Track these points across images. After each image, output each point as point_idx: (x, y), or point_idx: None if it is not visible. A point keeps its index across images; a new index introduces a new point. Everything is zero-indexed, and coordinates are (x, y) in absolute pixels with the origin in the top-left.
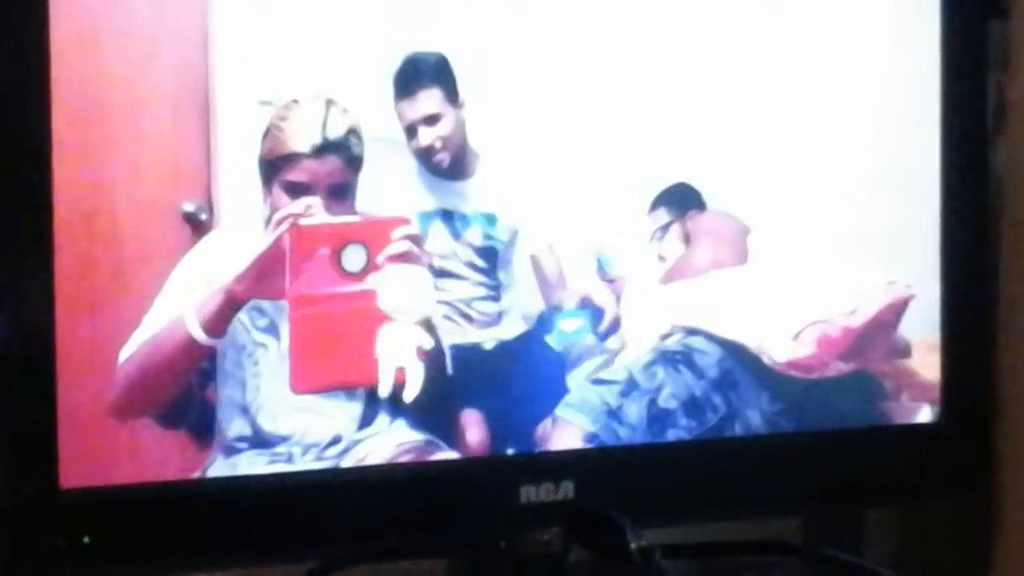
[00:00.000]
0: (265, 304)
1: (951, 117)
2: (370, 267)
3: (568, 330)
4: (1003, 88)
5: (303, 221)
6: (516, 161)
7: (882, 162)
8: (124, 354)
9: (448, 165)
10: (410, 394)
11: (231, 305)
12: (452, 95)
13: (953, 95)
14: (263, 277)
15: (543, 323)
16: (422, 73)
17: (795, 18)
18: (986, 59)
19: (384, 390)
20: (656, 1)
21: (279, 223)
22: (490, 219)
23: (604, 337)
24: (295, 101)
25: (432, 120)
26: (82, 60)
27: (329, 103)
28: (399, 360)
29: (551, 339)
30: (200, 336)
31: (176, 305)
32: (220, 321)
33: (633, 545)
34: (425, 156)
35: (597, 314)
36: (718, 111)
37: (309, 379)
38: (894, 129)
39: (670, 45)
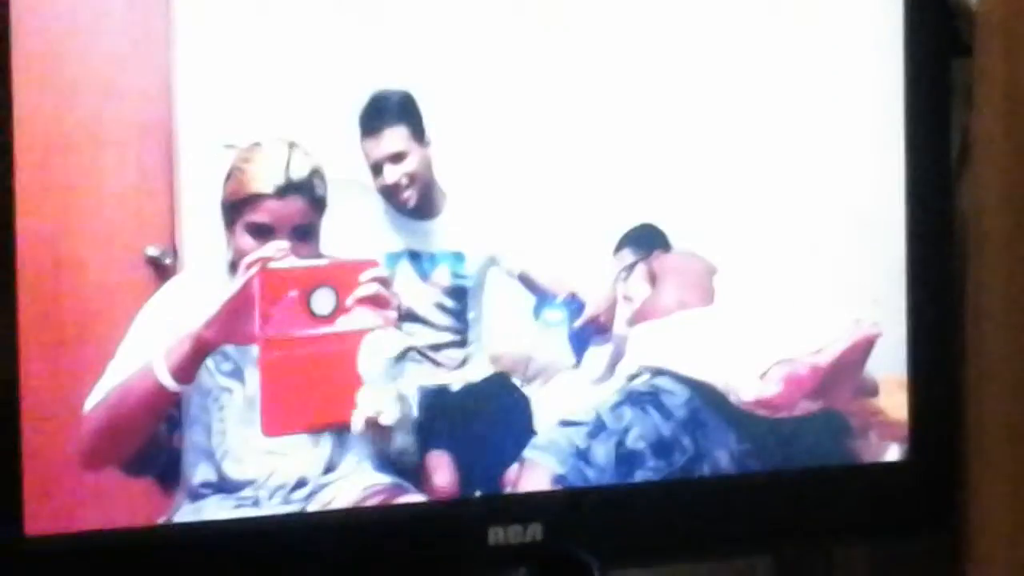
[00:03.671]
0: (229, 349)
1: (915, 156)
2: (339, 310)
3: (549, 320)
4: (967, 125)
5: (272, 265)
6: (483, 200)
7: (847, 201)
8: (90, 403)
9: (415, 204)
10: (382, 437)
11: (200, 351)
12: (418, 133)
13: (918, 132)
14: (233, 321)
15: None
16: (387, 111)
17: (759, 61)
18: (949, 98)
19: (356, 432)
20: (623, 44)
21: (249, 266)
22: (458, 257)
23: (577, 335)
24: (258, 144)
25: (398, 158)
26: (44, 105)
27: (292, 145)
28: (375, 404)
29: (538, 324)
30: (169, 383)
31: (142, 352)
32: (189, 367)
33: None
34: (391, 194)
35: (578, 308)
36: (683, 152)
37: (280, 423)
38: (859, 168)
39: (637, 87)
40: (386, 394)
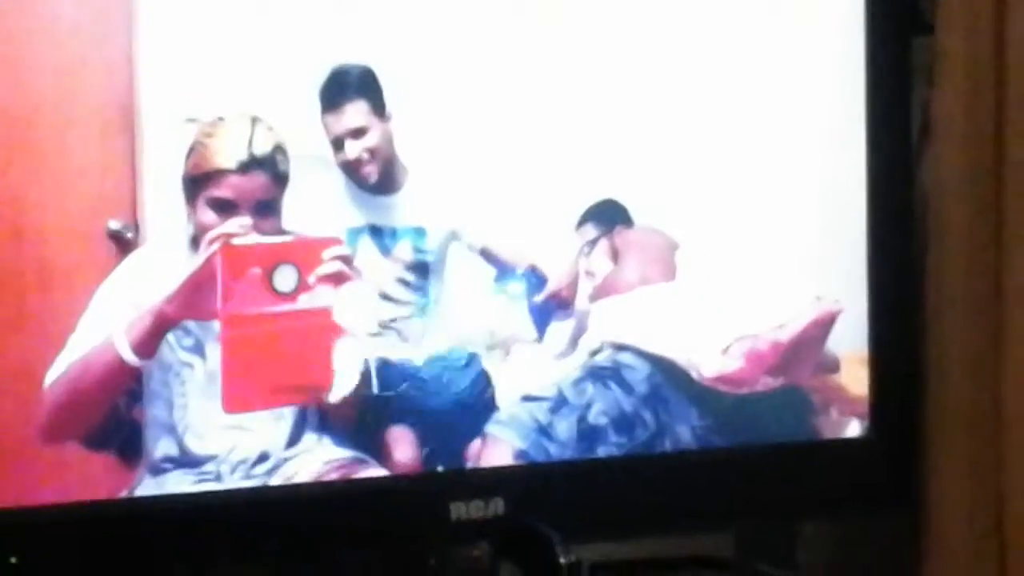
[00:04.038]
0: (191, 324)
1: (877, 133)
2: (301, 287)
3: (510, 292)
4: (928, 104)
5: (235, 241)
6: (445, 174)
7: (809, 178)
8: (50, 377)
9: (376, 179)
10: (344, 409)
11: (162, 326)
12: (379, 108)
13: (879, 111)
14: (194, 297)
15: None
16: (348, 86)
17: (720, 38)
18: (911, 75)
19: (315, 406)
20: (586, 19)
21: (211, 242)
22: (419, 232)
23: (539, 309)
24: (220, 118)
25: (358, 133)
26: (4, 78)
27: (255, 120)
28: (346, 376)
29: (498, 296)
30: (130, 358)
31: (103, 326)
32: (150, 342)
33: (563, 561)
34: (352, 170)
35: (538, 283)
36: (645, 129)
37: (241, 399)
38: (821, 145)
39: (599, 63)
40: (349, 369)
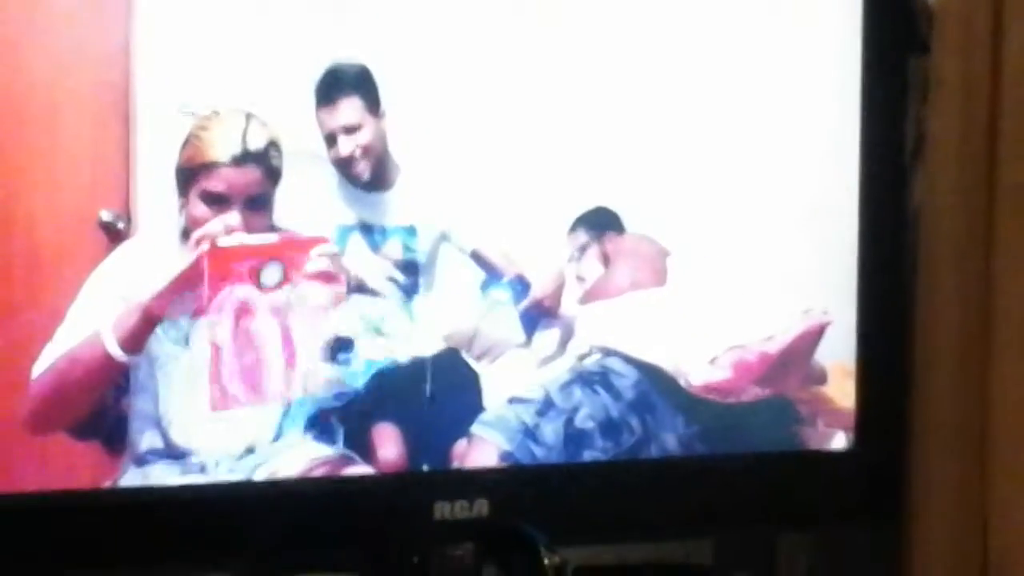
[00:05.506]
0: (179, 316)
1: (870, 148)
2: (286, 283)
3: (495, 299)
4: (922, 121)
5: (221, 241)
6: (437, 174)
7: (802, 191)
8: (38, 369)
9: (368, 176)
10: (330, 406)
11: (149, 322)
12: (373, 105)
13: (873, 126)
14: (181, 295)
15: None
16: (343, 82)
17: (716, 49)
18: (905, 92)
19: (301, 403)
20: (581, 25)
21: (198, 242)
22: (410, 231)
23: (524, 315)
24: (216, 112)
25: (352, 129)
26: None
27: (250, 115)
28: (319, 373)
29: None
30: (117, 354)
31: (91, 319)
32: (137, 338)
33: (547, 563)
34: (345, 166)
35: (523, 290)
36: (639, 137)
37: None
38: (814, 158)
39: (596, 68)
40: (335, 365)
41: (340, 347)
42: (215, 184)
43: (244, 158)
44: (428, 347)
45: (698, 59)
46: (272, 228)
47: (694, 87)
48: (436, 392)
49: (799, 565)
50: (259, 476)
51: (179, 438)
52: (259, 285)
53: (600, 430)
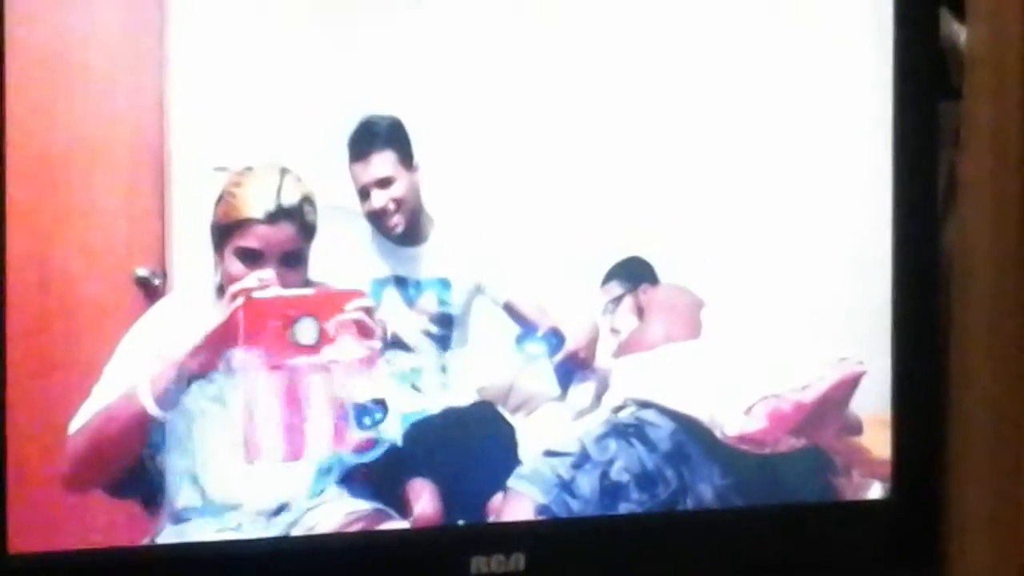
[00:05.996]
0: (214, 374)
1: (902, 195)
2: (323, 340)
3: (530, 353)
4: (954, 167)
5: (256, 295)
6: (471, 227)
7: (835, 239)
8: (75, 425)
9: (402, 230)
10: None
11: (185, 379)
12: (406, 158)
13: (904, 173)
14: (217, 351)
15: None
16: (376, 136)
17: (750, 99)
18: (937, 138)
19: (336, 458)
20: (613, 76)
21: (233, 297)
22: (445, 284)
23: (559, 368)
24: (249, 168)
25: (385, 183)
26: (36, 126)
27: (284, 171)
28: (354, 429)
29: (518, 355)
30: (154, 410)
31: (127, 376)
32: (174, 394)
33: None
34: (379, 220)
35: (557, 343)
36: (673, 188)
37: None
38: (847, 206)
39: (628, 123)
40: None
41: (375, 402)
42: (250, 241)
43: (278, 214)
44: (463, 401)
45: (732, 110)
46: (307, 283)
47: (726, 137)
48: (471, 446)
49: None
50: (295, 531)
51: (216, 493)
52: (294, 342)
53: (636, 482)
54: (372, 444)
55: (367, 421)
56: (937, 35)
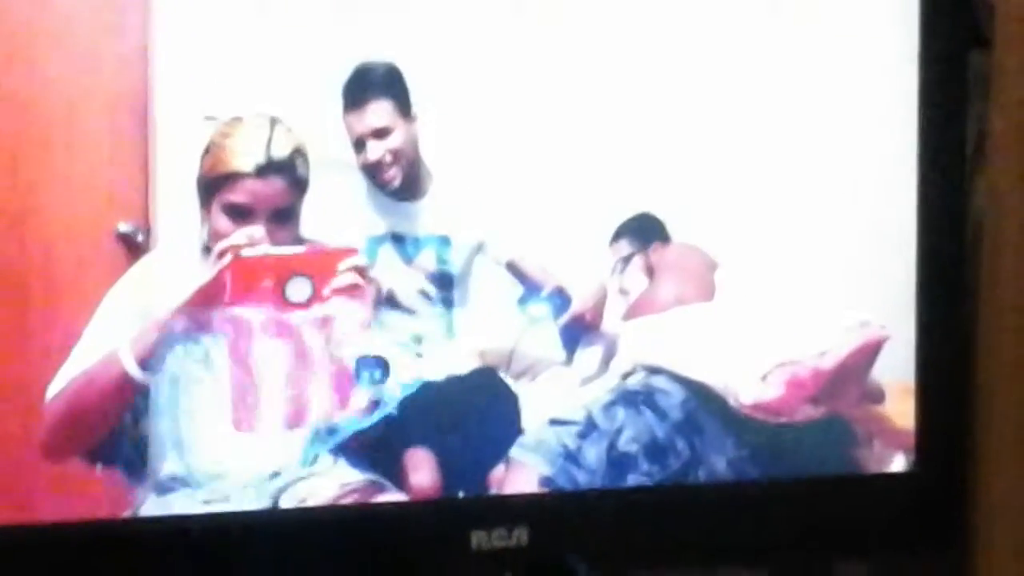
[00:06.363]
0: (201, 335)
1: (929, 153)
2: (315, 298)
3: (533, 314)
4: (984, 119)
5: (245, 252)
6: (472, 181)
7: (857, 197)
8: (53, 390)
9: (399, 183)
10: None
11: (168, 339)
12: (404, 108)
13: (932, 130)
14: (203, 310)
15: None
16: (372, 84)
17: (769, 51)
18: (966, 91)
19: (329, 426)
20: (624, 25)
21: (220, 255)
22: (444, 241)
23: (564, 331)
24: (238, 118)
25: (382, 133)
26: (15, 73)
27: (274, 121)
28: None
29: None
30: (136, 372)
31: (108, 338)
32: (158, 356)
33: None
34: (374, 172)
35: (562, 305)
36: (686, 141)
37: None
38: (870, 162)
39: (638, 70)
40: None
41: (370, 367)
42: (238, 196)
43: (268, 168)
44: (463, 366)
45: (749, 61)
46: (299, 241)
47: (745, 90)
48: (471, 414)
49: None
50: (285, 502)
51: (201, 463)
52: (285, 301)
53: (645, 453)
54: (374, 406)
55: (368, 377)
56: None
